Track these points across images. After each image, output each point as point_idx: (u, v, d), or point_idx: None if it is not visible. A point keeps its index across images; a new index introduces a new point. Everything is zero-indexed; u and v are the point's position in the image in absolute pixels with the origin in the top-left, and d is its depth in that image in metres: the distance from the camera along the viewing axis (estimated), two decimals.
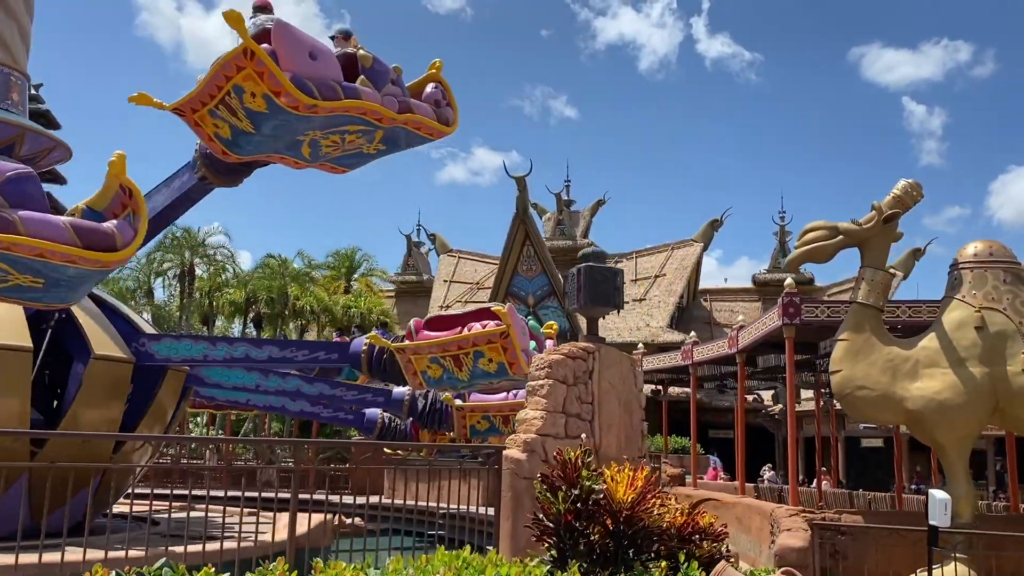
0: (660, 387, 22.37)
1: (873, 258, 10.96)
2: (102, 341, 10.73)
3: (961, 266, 10.81)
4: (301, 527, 8.93)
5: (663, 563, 4.58)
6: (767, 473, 23.72)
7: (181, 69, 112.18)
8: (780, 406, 28.55)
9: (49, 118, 43.97)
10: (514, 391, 13.00)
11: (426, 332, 9.67)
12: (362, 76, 8.84)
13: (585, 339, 9.63)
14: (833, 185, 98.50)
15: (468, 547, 4.19)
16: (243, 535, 8.18)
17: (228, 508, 9.77)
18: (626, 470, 4.48)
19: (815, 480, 19.35)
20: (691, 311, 43.39)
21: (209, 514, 9.23)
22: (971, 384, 10.14)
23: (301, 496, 10.59)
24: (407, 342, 10.56)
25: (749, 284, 44.68)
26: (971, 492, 10.44)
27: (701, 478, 24.01)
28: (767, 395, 31.40)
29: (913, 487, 22.00)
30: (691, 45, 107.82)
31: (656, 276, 41.58)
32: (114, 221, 8.18)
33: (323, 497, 10.51)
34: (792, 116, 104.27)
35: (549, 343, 11.01)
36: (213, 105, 8.57)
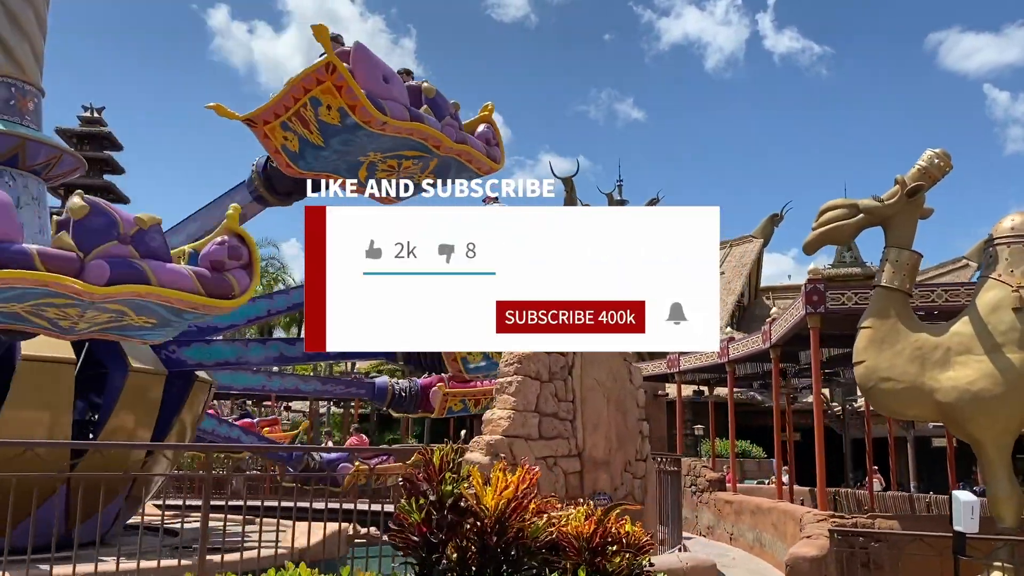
0: (705, 388, 21.37)
1: (898, 237, 9.95)
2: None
3: (997, 242, 9.71)
4: (316, 536, 8.67)
5: None
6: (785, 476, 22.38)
7: (255, 90, 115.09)
8: (836, 405, 27.13)
9: (112, 139, 44.90)
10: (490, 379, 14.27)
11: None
12: (425, 106, 9.30)
13: None
14: None
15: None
16: (249, 546, 7.94)
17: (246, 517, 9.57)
18: (496, 471, 3.81)
19: (866, 481, 18.11)
20: (753, 310, 41.89)
21: (229, 524, 8.95)
22: (1010, 372, 9.07)
23: (320, 505, 10.30)
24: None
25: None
26: (1016, 493, 9.32)
27: (756, 483, 22.86)
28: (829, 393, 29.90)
29: (977, 488, 20.44)
30: (758, 42, 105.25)
31: None
32: (231, 270, 8.08)
33: (338, 505, 10.18)
34: (866, 109, 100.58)
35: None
36: (286, 117, 8.98)
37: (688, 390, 24.77)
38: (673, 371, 19.33)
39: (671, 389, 21.98)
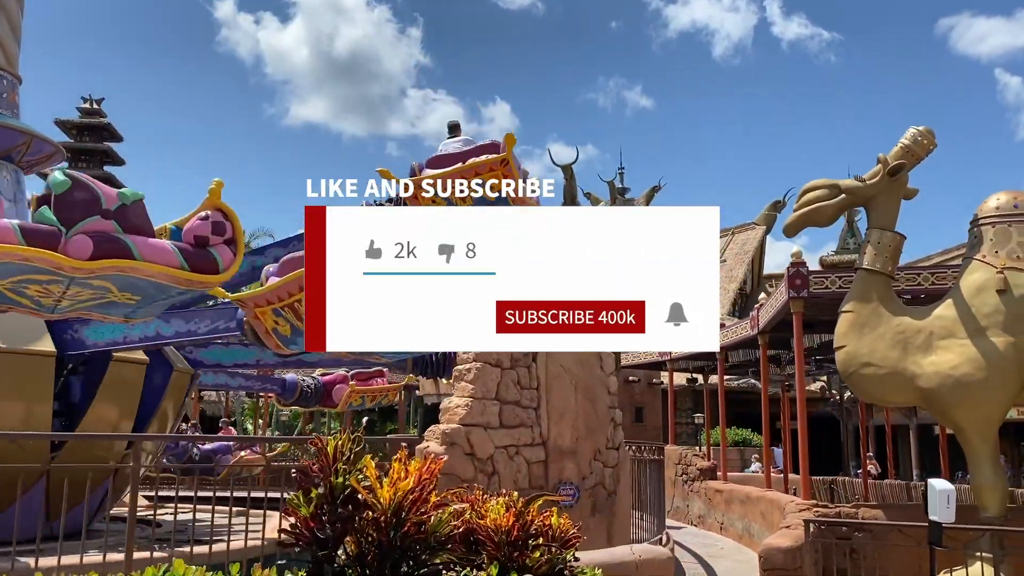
0: (700, 376, 21.07)
1: (880, 218, 9.63)
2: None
3: (981, 222, 9.38)
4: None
5: None
6: (753, 464, 22.07)
7: (261, 81, 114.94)
8: (834, 392, 26.76)
9: (111, 130, 45.01)
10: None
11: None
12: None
13: None
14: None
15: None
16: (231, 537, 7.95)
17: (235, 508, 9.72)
18: (395, 460, 3.57)
19: (861, 470, 17.81)
20: (755, 297, 41.49)
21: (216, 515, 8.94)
22: (993, 356, 8.74)
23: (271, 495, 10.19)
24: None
25: (816, 267, 42.39)
26: (999, 481, 9.02)
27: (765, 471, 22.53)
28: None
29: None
30: (766, 28, 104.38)
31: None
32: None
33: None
34: (876, 96, 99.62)
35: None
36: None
37: (684, 378, 24.45)
38: (664, 359, 19.05)
39: (666, 377, 21.69)
